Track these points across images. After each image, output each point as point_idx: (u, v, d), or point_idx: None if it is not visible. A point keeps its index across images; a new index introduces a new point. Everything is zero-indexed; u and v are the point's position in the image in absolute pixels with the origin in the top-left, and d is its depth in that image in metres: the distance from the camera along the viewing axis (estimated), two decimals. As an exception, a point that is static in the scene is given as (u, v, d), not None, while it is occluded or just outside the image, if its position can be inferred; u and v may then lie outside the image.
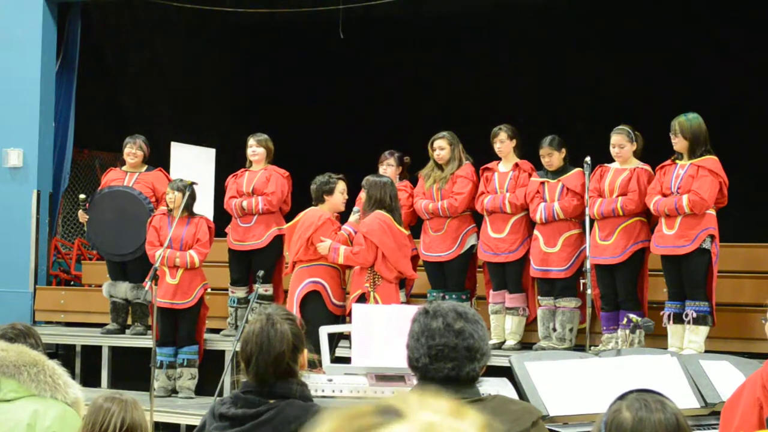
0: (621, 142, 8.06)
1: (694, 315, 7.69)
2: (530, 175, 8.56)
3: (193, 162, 13.48)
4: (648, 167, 8.08)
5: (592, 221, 7.94)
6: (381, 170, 8.90)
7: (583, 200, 8.08)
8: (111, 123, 12.63)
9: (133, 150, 9.72)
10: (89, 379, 9.66)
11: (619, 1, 12.16)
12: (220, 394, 7.34)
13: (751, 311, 8.03)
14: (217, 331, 9.55)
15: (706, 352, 7.44)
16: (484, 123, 8.84)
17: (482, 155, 8.82)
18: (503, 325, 8.63)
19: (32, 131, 10.79)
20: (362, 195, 8.14)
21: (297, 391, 3.55)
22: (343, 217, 8.41)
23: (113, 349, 9.80)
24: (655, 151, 8.17)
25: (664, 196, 7.82)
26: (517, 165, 8.62)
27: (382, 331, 6.02)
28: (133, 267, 9.52)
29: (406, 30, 12.91)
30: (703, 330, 7.71)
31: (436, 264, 8.73)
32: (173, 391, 8.97)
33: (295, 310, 7.75)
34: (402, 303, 8.06)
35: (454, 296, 8.48)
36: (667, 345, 7.74)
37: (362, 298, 7.78)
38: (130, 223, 9.41)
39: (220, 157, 13.79)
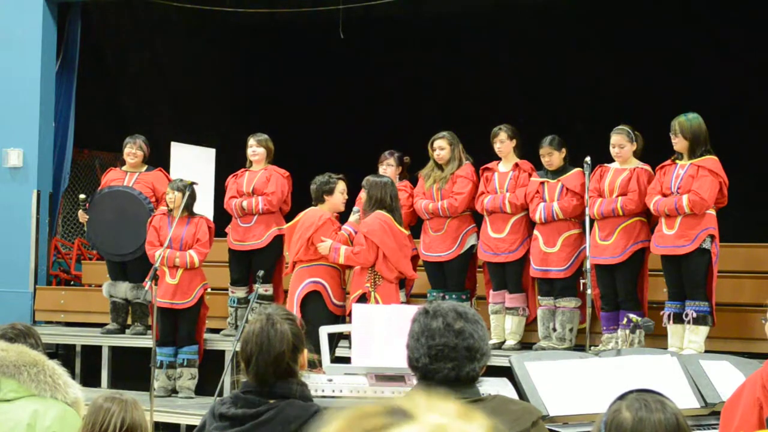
0: (621, 142, 8.06)
1: (694, 315, 7.69)
2: (530, 175, 8.56)
3: (193, 162, 13.48)
4: (648, 167, 8.08)
5: (592, 221, 7.94)
6: (381, 170, 8.90)
7: (582, 200, 8.08)
8: (111, 123, 12.63)
9: (133, 150, 9.72)
10: (89, 379, 9.66)
11: (619, 1, 12.16)
12: (220, 394, 7.34)
13: (751, 311, 8.03)
14: (217, 331, 9.55)
15: (706, 352, 7.44)
16: (484, 123, 8.84)
17: (482, 155, 8.82)
18: (503, 325, 8.63)
19: (32, 131, 10.79)
20: (362, 195, 8.14)
21: (297, 391, 3.54)
22: (343, 217, 8.41)
23: (113, 349, 9.80)
24: (655, 151, 8.17)
25: (664, 196, 7.82)
26: (517, 165, 8.62)
27: (382, 331, 6.02)
28: (133, 267, 9.52)
29: (406, 30, 12.91)
30: (703, 330, 7.71)
31: (436, 264, 8.73)
32: (173, 391, 8.97)
33: (296, 310, 7.75)
34: (402, 303, 8.06)
35: (454, 296, 8.48)
36: (667, 345, 7.74)
37: (363, 298, 7.78)
38: (130, 223, 9.41)
39: (220, 157, 13.79)
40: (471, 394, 3.02)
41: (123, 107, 13.30)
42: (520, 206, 8.50)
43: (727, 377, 5.44)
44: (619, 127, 8.15)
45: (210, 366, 9.02)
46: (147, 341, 9.10)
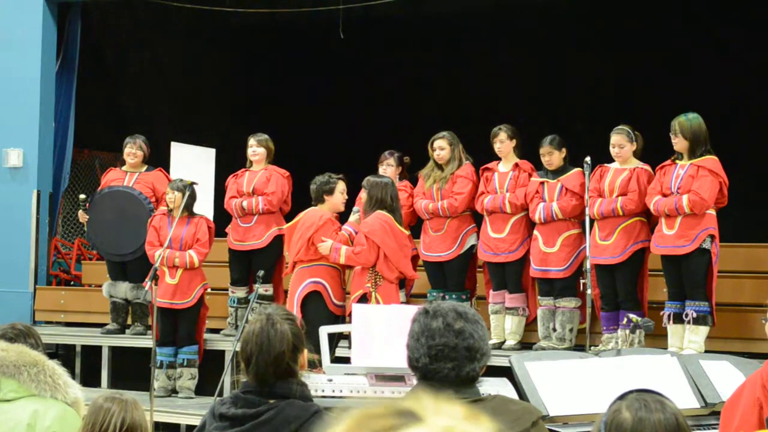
0: (621, 142, 8.06)
1: (694, 315, 7.69)
2: (530, 175, 8.56)
3: (193, 162, 13.48)
4: (648, 167, 8.08)
5: (592, 221, 7.94)
6: (381, 170, 8.90)
7: (581, 200, 8.08)
8: (111, 123, 12.64)
9: (133, 150, 9.72)
10: (89, 379, 9.66)
11: (619, 1, 12.16)
12: (220, 394, 7.34)
13: (751, 311, 8.03)
14: (217, 331, 9.55)
15: (706, 352, 7.44)
16: (484, 123, 8.84)
17: (482, 155, 8.82)
18: (503, 325, 8.63)
19: (32, 131, 10.80)
20: (362, 195, 8.14)
21: (297, 391, 3.54)
22: (343, 217, 8.41)
23: (113, 349, 9.80)
24: (655, 151, 8.17)
25: (664, 196, 7.82)
26: (517, 165, 8.62)
27: (382, 331, 6.02)
28: (133, 267, 9.52)
29: (406, 30, 12.92)
30: (703, 330, 7.71)
31: (436, 264, 8.73)
32: (173, 391, 8.97)
33: (296, 310, 7.75)
34: (402, 303, 8.06)
35: (454, 296, 8.49)
36: (667, 345, 7.74)
37: (364, 299, 7.78)
38: (130, 223, 9.42)
39: (220, 157, 13.79)
40: (471, 394, 3.02)
41: (123, 107, 13.30)
42: (520, 206, 8.50)
43: (727, 377, 5.44)
44: (619, 127, 8.15)
45: (210, 366, 9.02)
46: (147, 341, 9.10)
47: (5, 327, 4.08)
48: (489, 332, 8.37)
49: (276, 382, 3.53)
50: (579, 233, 8.24)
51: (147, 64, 13.68)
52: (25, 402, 3.58)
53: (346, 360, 6.43)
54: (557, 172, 8.43)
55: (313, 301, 7.98)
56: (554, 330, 8.33)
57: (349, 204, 8.46)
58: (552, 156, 8.39)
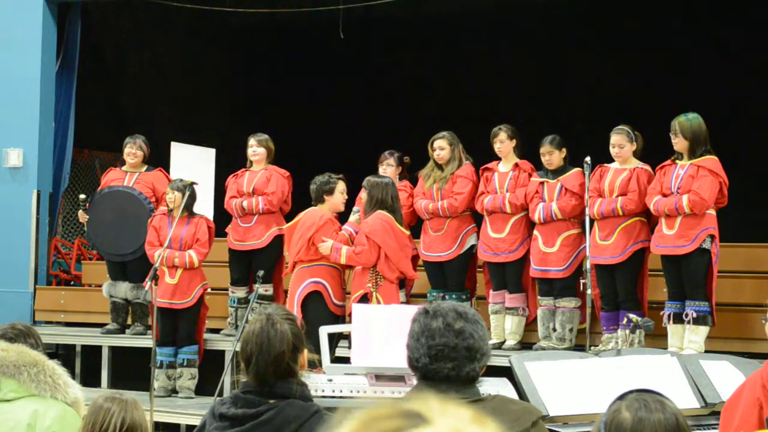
0: (621, 142, 8.06)
1: (694, 315, 7.69)
2: (530, 175, 8.56)
3: (193, 162, 13.48)
4: (648, 167, 8.08)
5: (592, 221, 7.94)
6: (381, 170, 8.90)
7: (581, 200, 8.08)
8: (111, 123, 12.64)
9: (133, 150, 9.72)
10: (89, 379, 9.66)
11: (619, 1, 12.16)
12: (220, 394, 7.34)
13: (751, 311, 8.03)
14: (217, 331, 9.55)
15: (706, 352, 7.44)
16: (484, 123, 8.84)
17: (482, 155, 8.82)
18: (503, 325, 8.63)
19: (32, 131, 10.80)
20: (362, 195, 8.14)
21: (297, 391, 3.54)
22: (343, 217, 8.41)
23: (113, 349, 9.80)
24: (655, 151, 8.17)
25: (664, 196, 7.82)
26: (517, 165, 8.62)
27: (382, 331, 6.02)
28: (133, 267, 9.52)
29: (406, 30, 12.91)
30: (703, 330, 7.71)
31: (436, 264, 8.73)
32: (173, 391, 8.97)
33: (296, 310, 7.75)
34: (402, 303, 8.06)
35: (454, 296, 8.49)
36: (667, 345, 7.74)
37: (364, 299, 7.79)
38: (130, 223, 9.42)
39: (220, 157, 13.79)
40: (471, 394, 3.02)
41: (123, 107, 13.30)
42: (520, 206, 8.50)
43: (727, 377, 5.44)
44: (619, 127, 8.15)
45: (210, 366, 9.02)
46: (147, 341, 9.10)
47: (5, 327, 4.08)
48: (489, 332, 8.37)
49: (276, 382, 3.53)
50: (579, 233, 8.24)
51: (147, 64, 13.68)
52: (25, 402, 3.58)
53: (346, 360, 6.43)
54: (557, 172, 8.42)
55: (313, 301, 7.98)
56: (554, 330, 8.33)
57: (349, 204, 8.46)
58: (552, 155, 8.39)
